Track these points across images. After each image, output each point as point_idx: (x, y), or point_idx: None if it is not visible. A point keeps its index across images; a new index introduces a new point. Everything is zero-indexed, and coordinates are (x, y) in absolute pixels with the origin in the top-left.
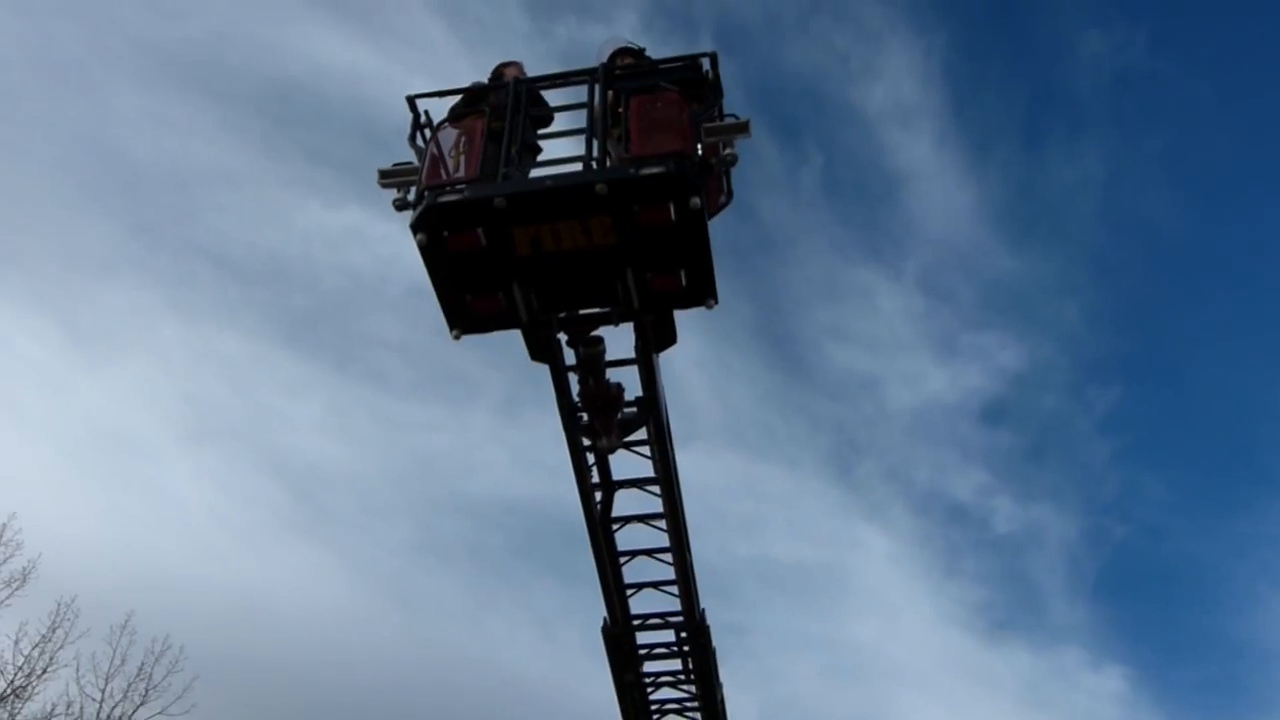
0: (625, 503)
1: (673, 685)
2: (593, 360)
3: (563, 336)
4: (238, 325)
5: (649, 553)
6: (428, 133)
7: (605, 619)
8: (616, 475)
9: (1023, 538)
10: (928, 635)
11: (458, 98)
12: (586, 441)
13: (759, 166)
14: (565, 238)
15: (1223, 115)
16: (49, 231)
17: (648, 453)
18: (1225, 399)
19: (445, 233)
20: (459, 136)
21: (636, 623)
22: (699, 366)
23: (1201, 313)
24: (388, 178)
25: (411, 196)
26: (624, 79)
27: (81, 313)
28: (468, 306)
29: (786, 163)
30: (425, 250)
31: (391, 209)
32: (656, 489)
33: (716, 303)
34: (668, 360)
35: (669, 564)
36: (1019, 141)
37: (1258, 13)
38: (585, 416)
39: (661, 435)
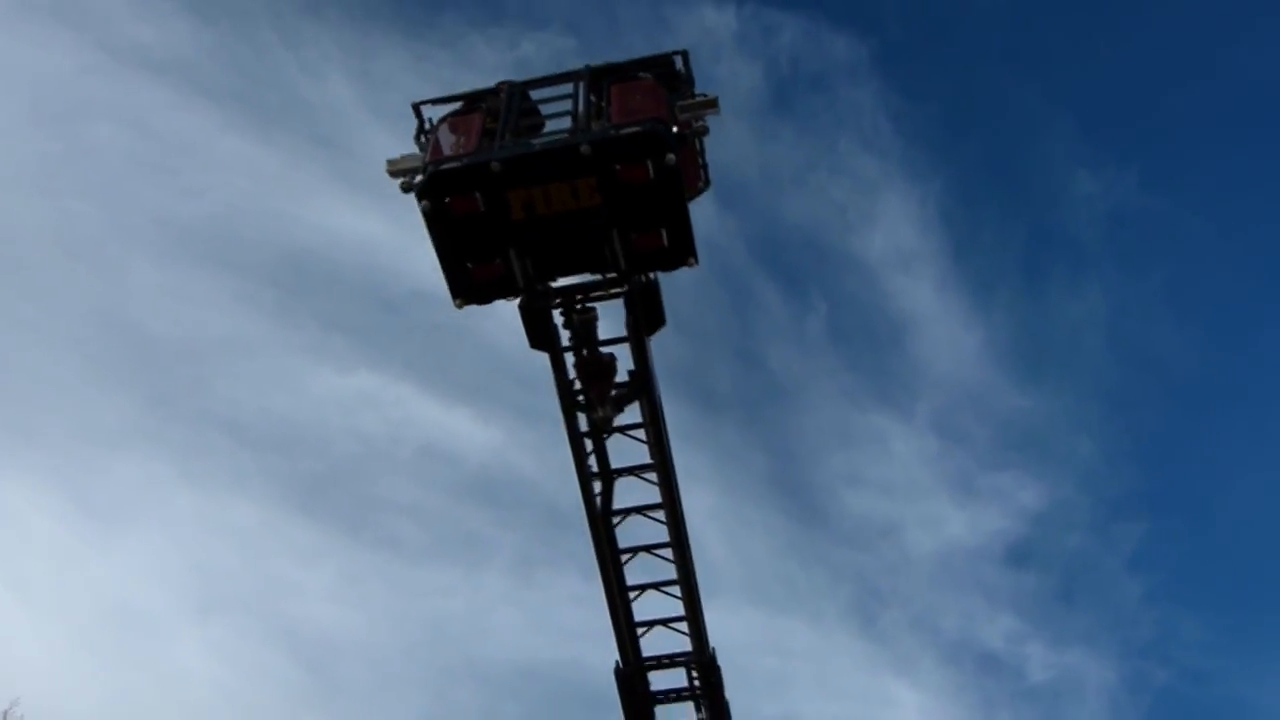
0: (630, 531)
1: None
2: (585, 328)
3: (559, 322)
4: (249, 493)
5: (657, 586)
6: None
7: (617, 661)
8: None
9: (1060, 685)
10: None
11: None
12: (584, 427)
13: (764, 316)
14: (555, 200)
15: (1220, 246)
16: (63, 405)
17: (643, 436)
18: (1257, 530)
19: (447, 199)
20: (457, 129)
21: (649, 663)
22: (714, 519)
23: (1221, 442)
24: (395, 166)
25: (417, 180)
26: (605, 75)
27: (93, 486)
28: (469, 275)
29: (791, 312)
30: (429, 217)
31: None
32: (653, 475)
33: (696, 262)
34: (685, 515)
35: (677, 597)
36: (1020, 281)
37: (1245, 143)
38: (580, 390)
39: (656, 418)
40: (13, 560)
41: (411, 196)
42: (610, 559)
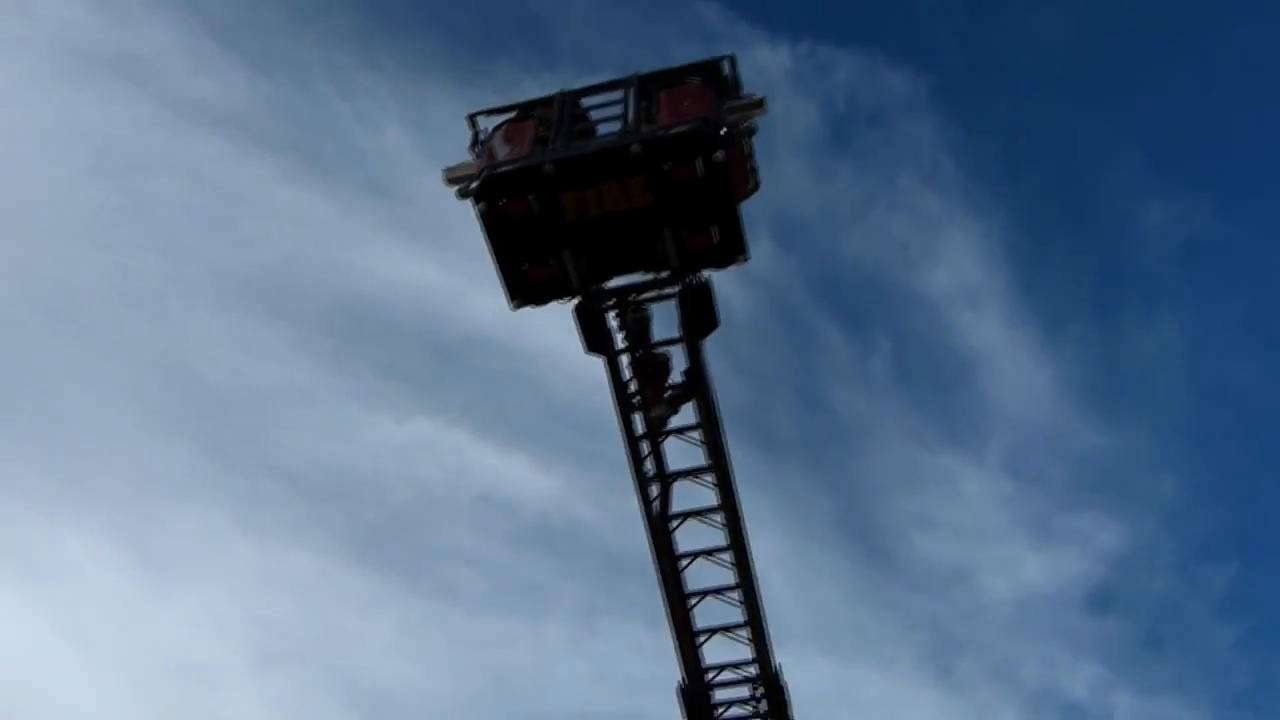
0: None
1: None
2: (640, 327)
3: (613, 325)
4: (307, 543)
5: (717, 592)
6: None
7: (681, 679)
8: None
9: None
10: None
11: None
12: (640, 430)
13: (827, 356)
14: (608, 200)
15: None
16: (122, 456)
17: (699, 438)
18: None
19: (502, 201)
20: (511, 137)
21: (710, 676)
22: (780, 564)
23: None
24: (452, 173)
25: (473, 186)
26: (654, 81)
27: (152, 537)
28: (525, 276)
29: (854, 352)
30: (485, 219)
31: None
32: (710, 478)
33: (747, 259)
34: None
35: (738, 607)
36: (1092, 315)
37: None
38: (636, 392)
39: (712, 419)
40: (72, 613)
41: (467, 241)
42: (668, 566)
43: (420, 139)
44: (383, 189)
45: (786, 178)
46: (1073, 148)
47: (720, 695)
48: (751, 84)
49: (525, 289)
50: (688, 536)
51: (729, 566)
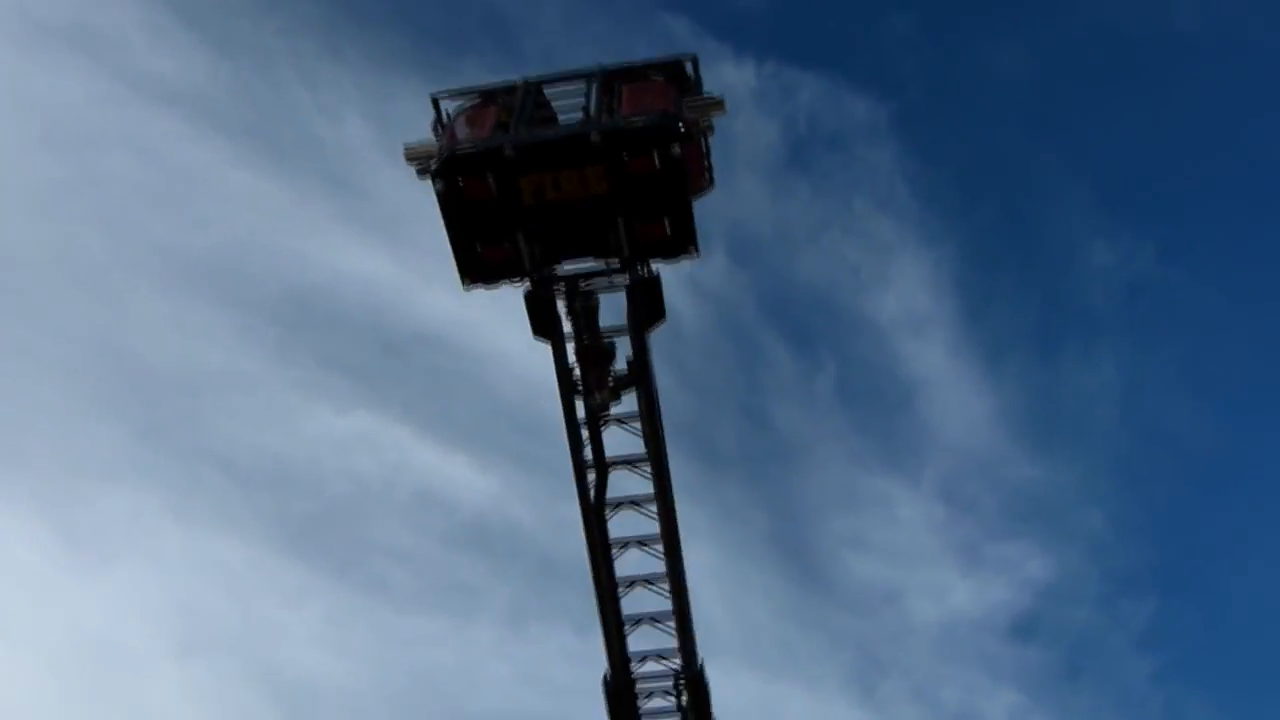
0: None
1: None
2: (588, 314)
3: (562, 309)
4: (238, 531)
5: (647, 582)
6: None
7: (606, 672)
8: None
9: None
10: None
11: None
12: (581, 416)
13: (772, 374)
14: (565, 186)
15: (1236, 320)
16: (55, 435)
17: (639, 429)
18: (1268, 609)
19: (460, 181)
20: (473, 121)
21: (635, 669)
22: (714, 579)
23: (1234, 520)
24: (412, 151)
25: (434, 165)
26: (618, 75)
27: (81, 517)
28: (478, 256)
29: (800, 371)
30: (443, 198)
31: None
32: (647, 467)
33: (698, 253)
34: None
35: (666, 597)
36: (1034, 349)
37: (1264, 217)
38: (579, 375)
39: (652, 410)
40: None
41: (422, 237)
42: (600, 553)
43: (381, 133)
44: (340, 180)
45: (744, 194)
46: (1025, 183)
47: (644, 689)
48: (714, 93)
49: (478, 269)
50: (621, 525)
51: (659, 557)
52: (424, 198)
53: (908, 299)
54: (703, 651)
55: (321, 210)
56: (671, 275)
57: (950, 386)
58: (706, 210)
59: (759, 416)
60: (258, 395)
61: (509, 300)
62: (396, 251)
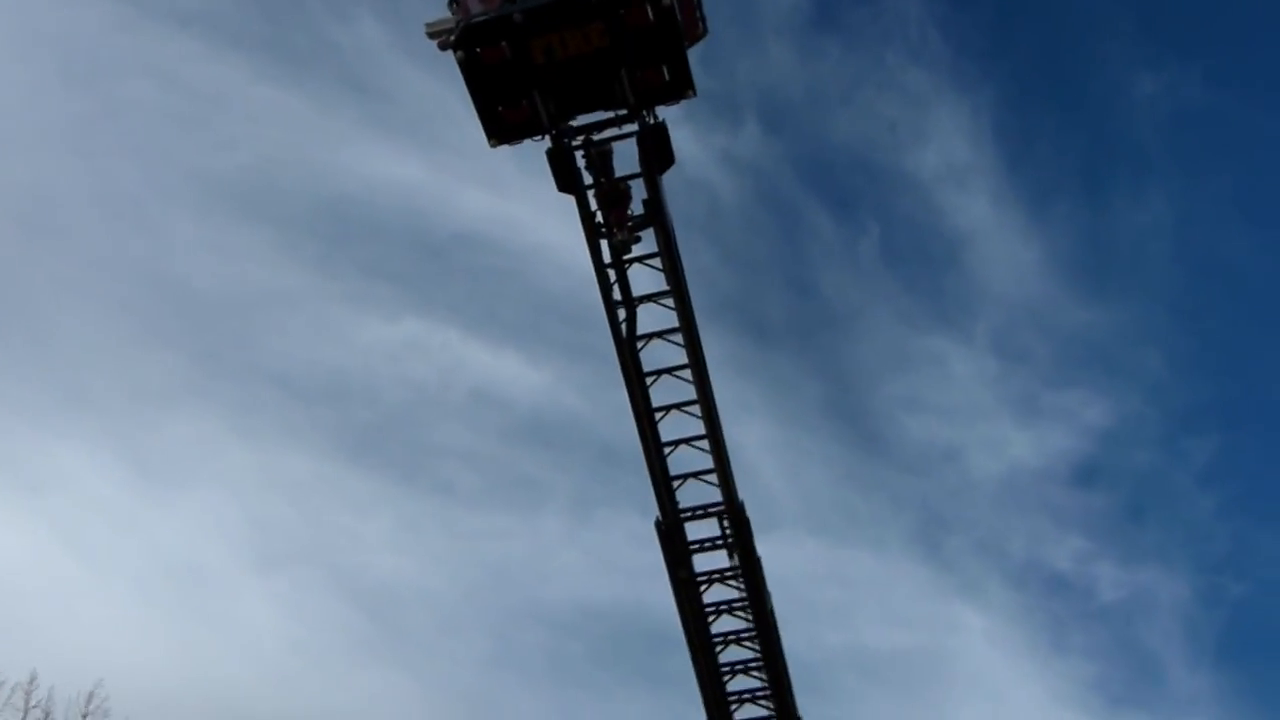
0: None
1: (722, 583)
2: (603, 158)
3: (581, 165)
4: (303, 446)
5: (688, 441)
6: None
7: (658, 516)
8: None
9: (1131, 604)
10: (1040, 718)
11: None
12: (607, 258)
13: (815, 241)
14: (570, 45)
15: None
16: (113, 367)
17: (659, 265)
18: None
19: (478, 49)
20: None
21: (685, 515)
22: (770, 451)
23: None
24: (433, 27)
25: (452, 37)
26: None
27: (148, 445)
28: (501, 117)
29: (843, 235)
30: (464, 67)
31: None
32: (670, 302)
33: (695, 93)
34: (738, 449)
35: (706, 450)
36: (1080, 191)
37: None
38: (601, 219)
39: (670, 246)
40: (72, 522)
41: (451, 137)
42: (637, 383)
43: (397, 32)
44: (361, 85)
45: (773, 59)
46: (1062, 16)
47: (692, 533)
48: None
49: (501, 128)
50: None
51: (696, 417)
52: (448, 92)
53: (947, 151)
54: (765, 522)
55: (347, 118)
56: (706, 150)
57: (997, 237)
58: (735, 79)
59: (805, 286)
60: (305, 310)
61: (545, 194)
62: (427, 154)
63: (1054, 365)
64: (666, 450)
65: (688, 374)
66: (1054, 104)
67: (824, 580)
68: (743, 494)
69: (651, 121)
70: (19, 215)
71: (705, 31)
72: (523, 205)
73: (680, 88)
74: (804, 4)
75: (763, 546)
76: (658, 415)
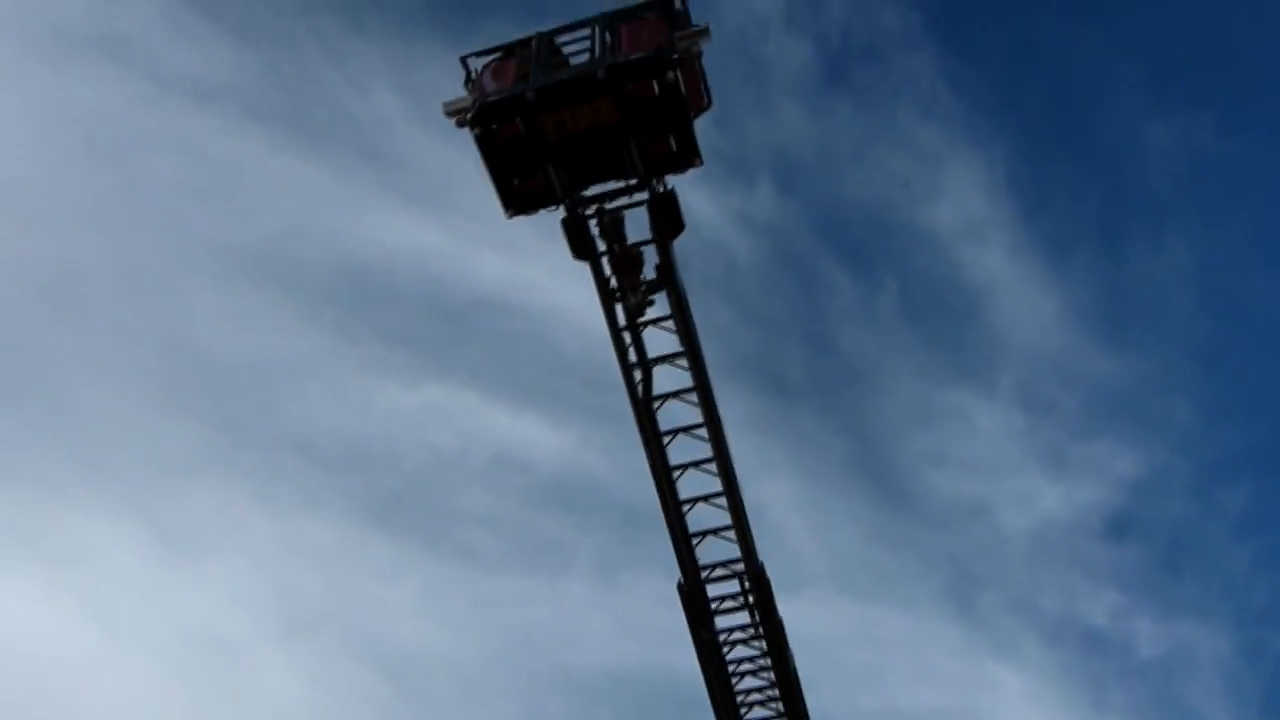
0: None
1: (745, 643)
2: (615, 226)
3: (595, 233)
4: (326, 513)
5: (706, 499)
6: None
7: (680, 578)
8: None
9: (1172, 660)
10: None
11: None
12: (622, 322)
13: (833, 298)
14: (581, 119)
15: None
16: (135, 437)
17: (672, 327)
18: None
19: (493, 126)
20: (498, 74)
21: (705, 574)
22: (796, 510)
23: None
24: (451, 106)
25: (469, 115)
26: (617, 18)
27: (171, 515)
28: (516, 189)
29: (861, 292)
30: (480, 143)
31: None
32: (685, 362)
33: (702, 162)
34: (763, 508)
35: (724, 508)
36: (1098, 241)
37: None
38: (615, 285)
39: (682, 308)
40: (97, 595)
41: (466, 202)
42: (655, 443)
43: (411, 101)
44: (377, 153)
45: (784, 119)
46: (1072, 70)
47: (714, 591)
48: (744, 26)
49: (517, 200)
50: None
51: (714, 475)
52: (462, 159)
53: (963, 205)
54: (793, 582)
55: (364, 186)
56: (721, 211)
57: (1016, 289)
58: (747, 141)
59: (824, 343)
60: (325, 378)
61: (561, 258)
62: (443, 219)
63: (1080, 416)
64: (685, 508)
65: (704, 432)
66: (1067, 155)
67: (854, 640)
68: (768, 553)
69: (661, 190)
70: (43, 288)
71: (710, 103)
72: (539, 269)
73: (687, 157)
74: (813, 63)
75: (791, 606)
76: (675, 474)
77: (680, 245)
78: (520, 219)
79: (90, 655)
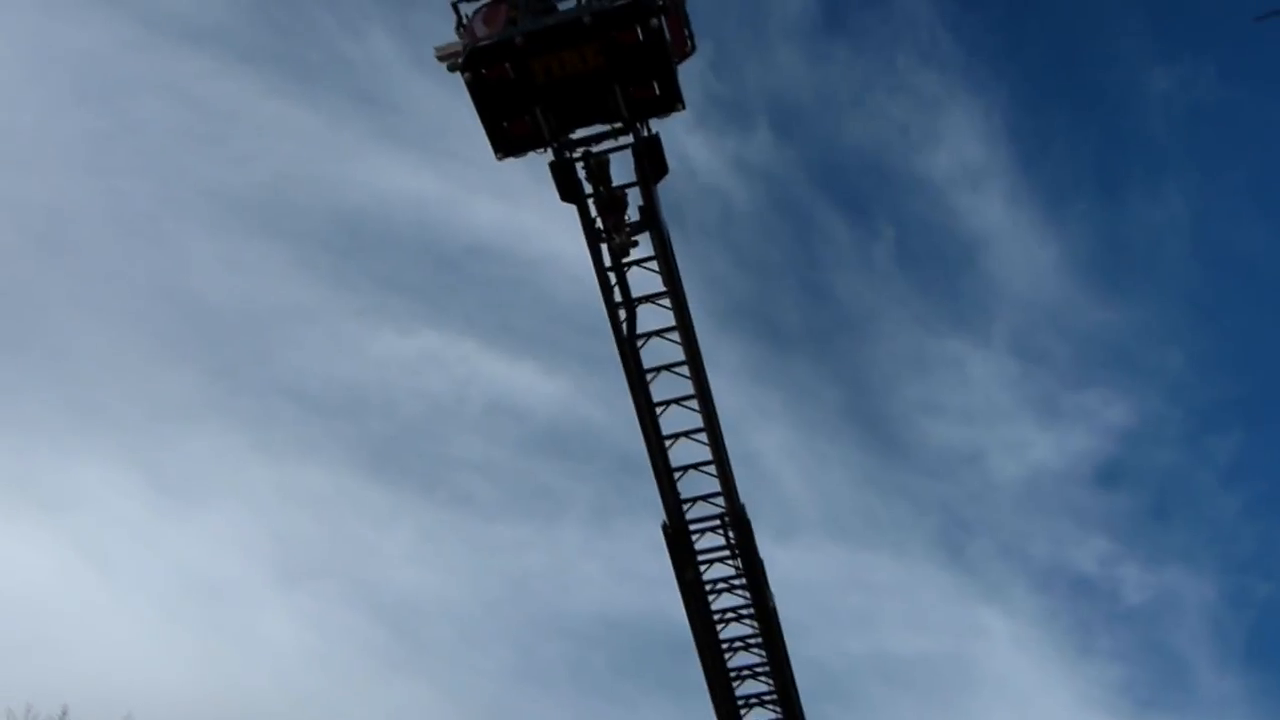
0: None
1: (729, 590)
2: (601, 169)
3: (582, 175)
4: (321, 460)
5: (687, 434)
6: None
7: (664, 521)
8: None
9: (1157, 606)
10: None
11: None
12: (607, 261)
13: (829, 246)
14: (568, 64)
15: None
16: (131, 385)
17: (656, 268)
18: None
19: (483, 70)
20: (488, 19)
21: (691, 523)
22: (790, 458)
23: None
24: (442, 51)
25: (460, 60)
26: None
27: (167, 461)
28: (506, 132)
29: (857, 240)
30: (471, 86)
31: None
32: (668, 302)
33: (684, 107)
34: (757, 455)
35: (705, 444)
36: (1096, 190)
37: None
38: (601, 226)
39: (665, 249)
40: (94, 540)
41: (461, 148)
42: (638, 380)
43: (405, 45)
44: (372, 98)
45: (782, 65)
46: (1073, 16)
47: (700, 544)
48: None
49: (507, 142)
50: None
51: (697, 412)
52: (457, 104)
53: (961, 153)
54: (786, 528)
55: (359, 131)
56: (718, 156)
57: (1013, 238)
58: (745, 86)
59: (820, 290)
60: (321, 325)
61: (555, 205)
62: (438, 165)
63: (1074, 365)
64: (668, 443)
65: (687, 370)
66: (1067, 103)
67: (846, 586)
68: (761, 500)
69: (646, 134)
70: (35, 233)
71: (693, 49)
72: (535, 216)
73: (670, 102)
74: (812, 7)
75: (783, 552)
76: (658, 410)
77: (675, 191)
78: (513, 164)
79: (88, 600)
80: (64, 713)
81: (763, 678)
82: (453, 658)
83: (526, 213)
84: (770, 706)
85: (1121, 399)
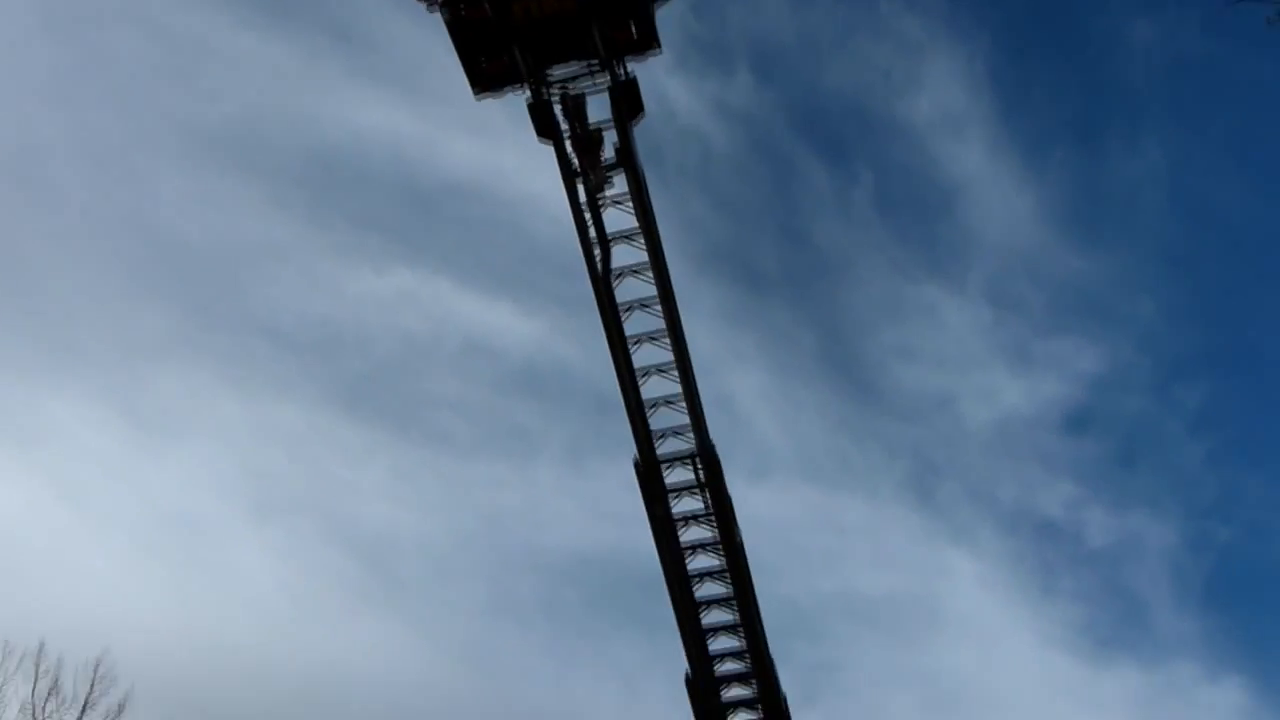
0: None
1: (698, 523)
2: (578, 106)
3: (559, 114)
4: (296, 396)
5: (659, 369)
6: None
7: (635, 457)
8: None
9: (1120, 549)
10: (1029, 660)
11: None
12: (583, 199)
13: (808, 190)
14: (546, 4)
15: None
16: (104, 320)
17: (630, 208)
18: None
19: (462, 10)
20: None
21: (662, 460)
22: (765, 400)
23: None
24: None
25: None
26: None
27: (142, 398)
28: (483, 70)
29: (836, 184)
30: (450, 25)
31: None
32: (642, 241)
33: (660, 49)
34: (732, 398)
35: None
36: (1075, 139)
37: None
38: (577, 164)
39: (640, 189)
40: (68, 475)
41: (438, 86)
42: (611, 315)
43: None
44: (348, 34)
45: (765, 5)
46: None
47: (670, 479)
48: None
49: (484, 79)
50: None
51: (668, 349)
52: (434, 43)
53: (942, 99)
54: (759, 469)
55: (334, 67)
56: (697, 99)
57: (991, 185)
58: (726, 28)
59: (798, 235)
60: (295, 262)
61: (533, 145)
62: (415, 104)
63: (1047, 313)
64: (641, 380)
65: (659, 309)
66: (1050, 51)
67: (817, 526)
68: (735, 441)
69: (623, 76)
70: (3, 166)
71: None
72: (511, 156)
73: (647, 43)
74: None
75: (755, 492)
76: (631, 346)
77: (655, 133)
78: (490, 104)
79: (63, 535)
80: (40, 646)
81: (728, 607)
82: (427, 593)
83: (504, 153)
84: (735, 633)
85: (1092, 347)
